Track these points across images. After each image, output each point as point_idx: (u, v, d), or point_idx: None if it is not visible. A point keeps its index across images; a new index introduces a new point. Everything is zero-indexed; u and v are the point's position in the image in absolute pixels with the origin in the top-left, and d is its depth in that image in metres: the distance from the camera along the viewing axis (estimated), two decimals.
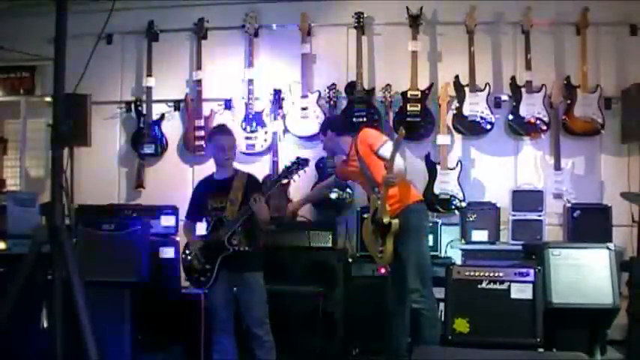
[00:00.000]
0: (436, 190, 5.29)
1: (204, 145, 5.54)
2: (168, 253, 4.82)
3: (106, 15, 2.66)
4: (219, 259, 3.85)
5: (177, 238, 4.94)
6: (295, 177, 3.95)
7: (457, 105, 5.34)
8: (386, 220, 3.91)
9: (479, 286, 3.87)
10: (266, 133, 5.57)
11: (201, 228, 4.14)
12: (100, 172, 5.90)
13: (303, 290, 4.68)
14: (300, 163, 3.88)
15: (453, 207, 5.25)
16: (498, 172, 5.45)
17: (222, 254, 3.84)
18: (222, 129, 4.18)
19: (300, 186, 5.18)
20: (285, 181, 4.00)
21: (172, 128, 5.85)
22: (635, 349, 4.24)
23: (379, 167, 4.00)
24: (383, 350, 4.38)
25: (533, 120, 5.27)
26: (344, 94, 5.51)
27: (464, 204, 5.21)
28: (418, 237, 4.04)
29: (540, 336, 3.75)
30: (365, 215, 4.92)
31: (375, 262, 4.43)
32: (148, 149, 5.80)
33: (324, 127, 4.48)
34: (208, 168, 4.21)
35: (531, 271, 3.88)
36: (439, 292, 4.12)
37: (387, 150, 3.96)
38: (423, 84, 5.40)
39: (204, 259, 3.91)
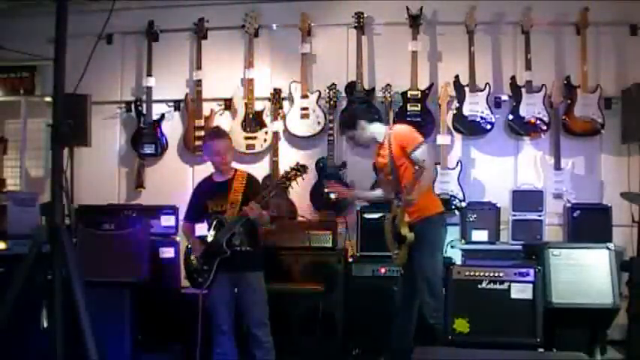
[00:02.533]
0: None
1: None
2: (168, 253, 4.82)
3: (106, 15, 2.65)
4: (217, 261, 3.86)
5: (178, 238, 4.95)
6: (294, 184, 3.92)
7: (457, 105, 5.34)
8: (403, 231, 3.88)
9: (479, 286, 3.87)
10: (266, 133, 5.57)
11: (200, 228, 4.15)
12: (100, 172, 5.90)
13: (303, 290, 4.68)
14: (299, 170, 3.85)
15: (453, 207, 5.25)
16: (498, 172, 5.45)
17: (220, 257, 3.84)
18: (217, 133, 4.16)
19: (299, 185, 5.17)
20: (283, 187, 3.97)
21: (172, 128, 5.85)
22: (635, 349, 4.24)
23: (408, 172, 3.90)
24: (383, 350, 4.38)
25: (533, 120, 5.27)
26: (344, 94, 5.51)
27: (464, 204, 5.21)
28: (432, 250, 3.98)
29: (540, 336, 3.75)
30: (365, 215, 4.97)
31: (378, 264, 4.51)
32: (148, 149, 5.79)
33: (350, 119, 4.25)
34: (208, 168, 4.20)
35: (531, 271, 3.88)
36: None
37: (420, 153, 3.87)
38: (423, 84, 5.40)
39: (202, 259, 3.92)
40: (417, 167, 3.72)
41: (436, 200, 4.16)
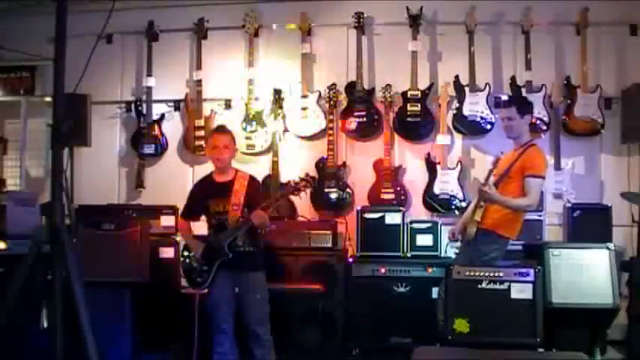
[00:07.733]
0: (436, 190, 5.30)
1: (204, 145, 5.55)
2: (168, 253, 4.82)
3: (106, 15, 2.65)
4: (217, 263, 3.86)
5: (178, 238, 4.94)
6: (302, 194, 3.94)
7: (457, 105, 5.34)
8: (469, 227, 4.06)
9: (479, 286, 3.86)
10: (266, 133, 5.57)
11: (199, 227, 4.15)
12: (100, 172, 5.90)
13: (303, 290, 4.68)
14: (309, 182, 3.86)
15: (453, 207, 5.25)
16: None
17: (220, 259, 3.84)
18: (218, 128, 4.21)
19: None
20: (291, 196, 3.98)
21: (172, 128, 5.85)
22: (635, 349, 4.25)
23: (511, 187, 4.03)
24: (383, 350, 4.38)
25: (533, 120, 5.24)
26: (344, 94, 5.51)
27: (464, 204, 5.20)
28: (474, 259, 4.03)
29: (540, 336, 3.74)
30: (365, 215, 4.98)
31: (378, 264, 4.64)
32: (148, 149, 5.79)
33: (528, 106, 4.30)
34: (208, 168, 4.21)
35: (531, 271, 3.87)
36: None
37: (533, 183, 3.97)
38: (423, 84, 5.40)
39: (202, 260, 3.92)
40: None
41: (512, 226, 4.14)
